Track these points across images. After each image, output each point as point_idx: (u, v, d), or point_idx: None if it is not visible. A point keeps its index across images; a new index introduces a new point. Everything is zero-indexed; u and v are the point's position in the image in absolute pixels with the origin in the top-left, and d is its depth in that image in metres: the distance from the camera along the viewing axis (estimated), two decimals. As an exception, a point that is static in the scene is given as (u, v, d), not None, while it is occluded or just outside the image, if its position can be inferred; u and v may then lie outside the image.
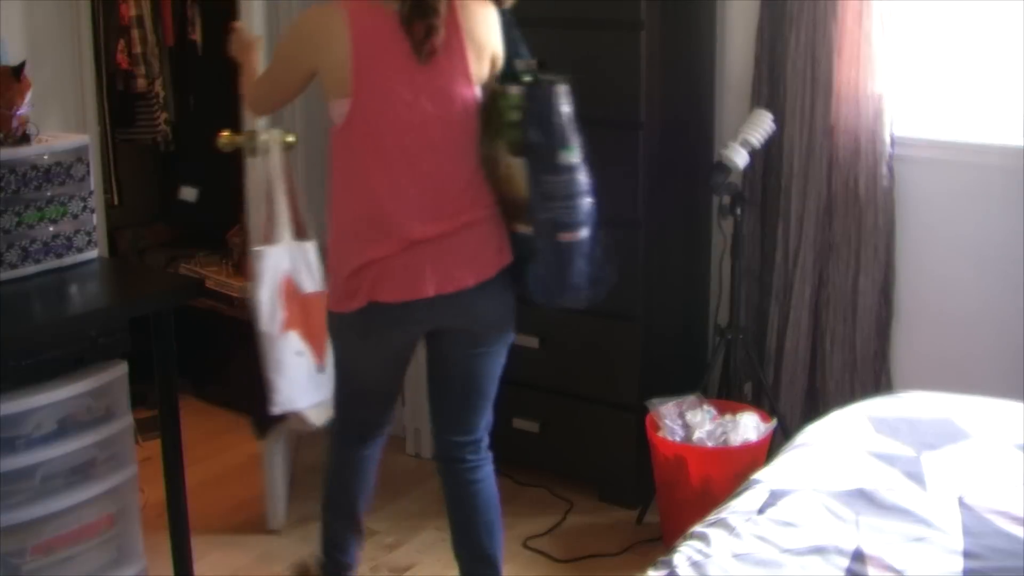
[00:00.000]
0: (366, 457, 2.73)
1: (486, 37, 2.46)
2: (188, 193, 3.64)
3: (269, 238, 2.96)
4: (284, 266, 2.95)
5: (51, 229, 2.63)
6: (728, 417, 3.18)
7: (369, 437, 2.70)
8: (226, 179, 3.40)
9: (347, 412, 2.70)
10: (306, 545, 3.25)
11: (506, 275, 2.51)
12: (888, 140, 3.25)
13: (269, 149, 2.96)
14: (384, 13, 2.33)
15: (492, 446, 2.70)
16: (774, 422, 3.18)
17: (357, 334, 2.50)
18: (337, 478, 2.76)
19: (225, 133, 2.97)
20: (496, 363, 2.62)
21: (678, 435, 3.14)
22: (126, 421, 2.59)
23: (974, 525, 1.95)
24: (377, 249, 2.39)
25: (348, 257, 2.43)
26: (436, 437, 2.71)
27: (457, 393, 2.63)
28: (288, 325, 2.96)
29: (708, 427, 3.14)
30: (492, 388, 2.64)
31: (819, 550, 1.88)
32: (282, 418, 3.08)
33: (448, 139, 2.40)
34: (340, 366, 2.64)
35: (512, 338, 2.64)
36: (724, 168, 3.22)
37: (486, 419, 2.67)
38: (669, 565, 1.87)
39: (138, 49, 3.87)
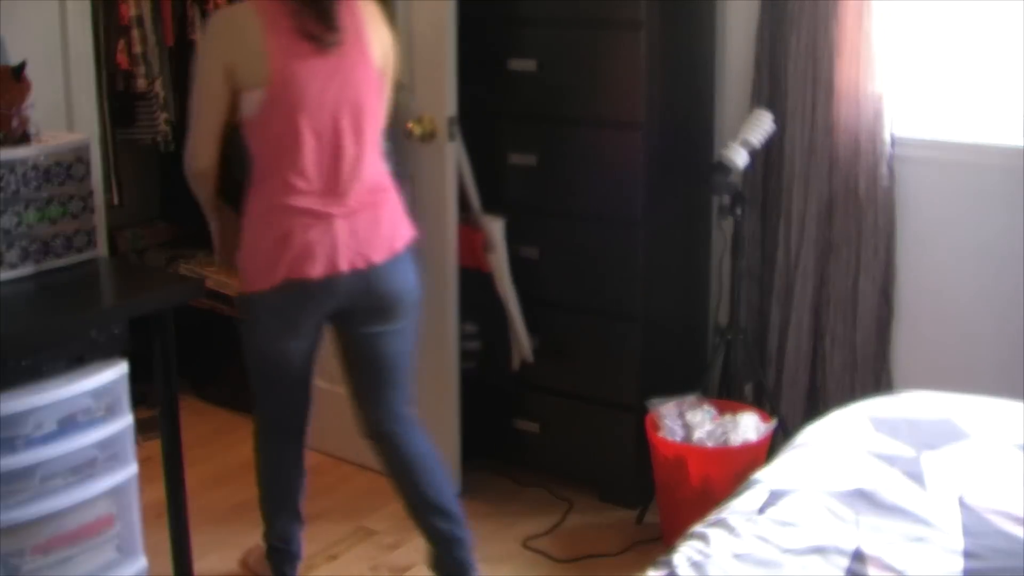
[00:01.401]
0: (293, 449, 2.84)
1: (381, 30, 2.65)
2: None
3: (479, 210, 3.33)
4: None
5: (51, 229, 2.63)
6: (728, 417, 3.18)
7: (293, 428, 2.83)
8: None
9: (268, 403, 2.80)
10: (306, 545, 3.26)
11: (411, 251, 2.69)
12: (888, 140, 3.25)
13: (456, 135, 3.26)
14: (286, 8, 2.49)
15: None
16: (774, 422, 3.18)
17: (272, 313, 2.60)
18: (270, 474, 2.87)
19: (411, 123, 3.21)
20: (408, 339, 2.76)
21: (678, 435, 3.14)
22: (126, 421, 2.59)
23: (974, 525, 1.95)
24: (291, 226, 2.52)
25: (264, 236, 2.54)
26: (360, 417, 2.82)
27: (375, 372, 2.75)
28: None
29: (708, 427, 3.14)
30: (407, 363, 2.78)
31: (819, 550, 1.88)
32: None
33: (355, 122, 2.56)
34: (256, 352, 2.71)
35: (418, 312, 2.77)
36: (724, 168, 3.22)
37: (406, 392, 2.81)
38: (669, 565, 1.87)
39: (138, 49, 3.86)
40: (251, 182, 2.57)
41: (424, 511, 2.81)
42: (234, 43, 2.49)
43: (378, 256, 2.61)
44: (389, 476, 2.85)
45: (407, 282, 2.69)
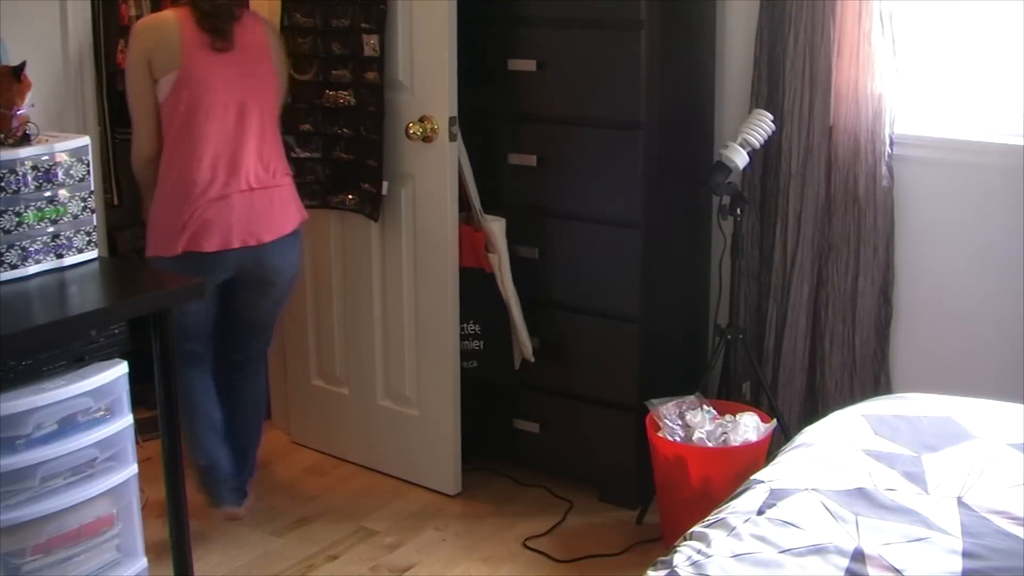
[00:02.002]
0: (203, 378, 3.24)
1: (275, 42, 3.20)
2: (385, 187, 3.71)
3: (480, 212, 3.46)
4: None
5: (51, 229, 2.63)
6: (728, 417, 3.18)
7: (199, 362, 3.22)
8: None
9: (180, 342, 3.09)
10: (306, 546, 3.26)
11: (298, 232, 3.17)
12: (887, 140, 3.25)
13: (456, 135, 3.32)
14: (195, 17, 2.99)
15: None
16: (774, 422, 3.18)
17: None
18: (189, 397, 3.18)
19: (412, 123, 3.29)
20: (281, 303, 3.29)
21: (678, 435, 3.14)
22: (126, 421, 2.59)
23: (974, 525, 1.96)
24: (193, 204, 2.95)
25: (169, 209, 2.98)
26: (218, 353, 3.27)
27: (245, 328, 3.26)
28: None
29: (708, 427, 3.14)
30: (275, 320, 3.33)
31: (819, 550, 1.88)
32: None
33: (253, 114, 3.03)
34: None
35: (294, 285, 3.27)
36: (724, 168, 3.22)
37: (262, 347, 3.36)
38: (669, 565, 1.87)
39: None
40: (165, 151, 3.01)
41: (230, 442, 3.27)
42: (155, 38, 2.98)
43: (268, 236, 3.05)
44: (224, 402, 3.28)
45: (290, 260, 3.16)
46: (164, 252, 2.98)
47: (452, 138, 3.30)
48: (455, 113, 3.28)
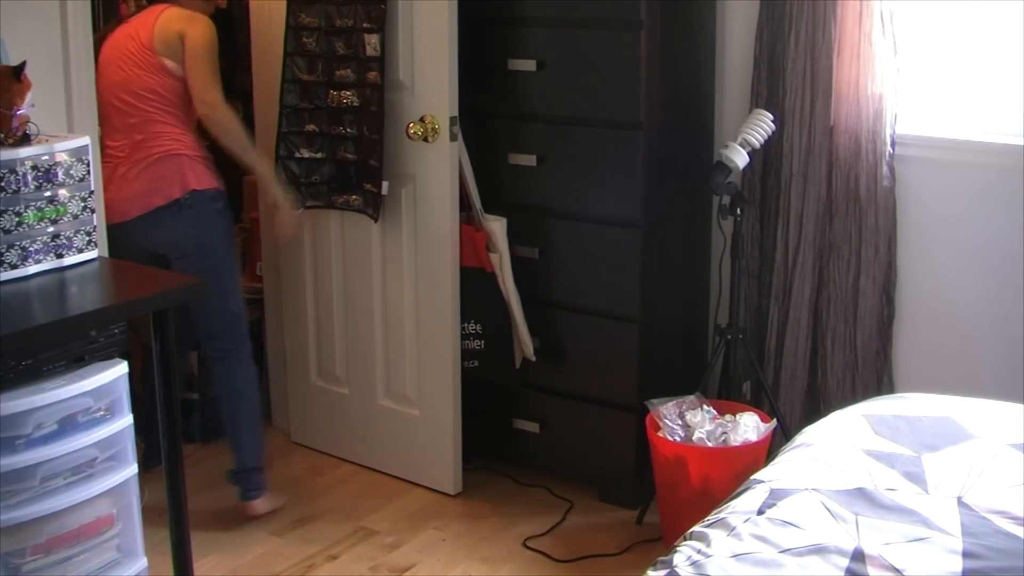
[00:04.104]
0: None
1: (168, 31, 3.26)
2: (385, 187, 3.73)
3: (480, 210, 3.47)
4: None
5: (51, 229, 2.62)
6: (728, 417, 3.18)
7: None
8: (227, 178, 3.40)
9: None
10: (306, 546, 3.26)
11: (186, 206, 3.22)
12: (888, 140, 3.25)
13: (457, 135, 3.32)
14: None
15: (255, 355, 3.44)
16: (774, 422, 3.18)
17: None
18: None
19: (413, 123, 3.31)
20: (208, 279, 3.18)
21: (678, 435, 3.14)
22: (126, 421, 2.59)
23: (974, 525, 1.95)
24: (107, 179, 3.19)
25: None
26: (200, 340, 3.44)
27: (195, 305, 3.30)
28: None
29: (708, 427, 3.14)
30: (218, 301, 3.28)
31: (819, 550, 1.88)
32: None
33: (130, 102, 3.22)
34: None
35: (214, 259, 3.27)
36: (724, 168, 3.22)
37: (224, 324, 3.34)
38: (669, 565, 1.87)
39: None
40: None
41: (226, 432, 3.42)
42: None
43: (136, 211, 3.20)
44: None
45: (179, 233, 3.23)
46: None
47: (453, 138, 3.30)
48: (456, 113, 3.29)
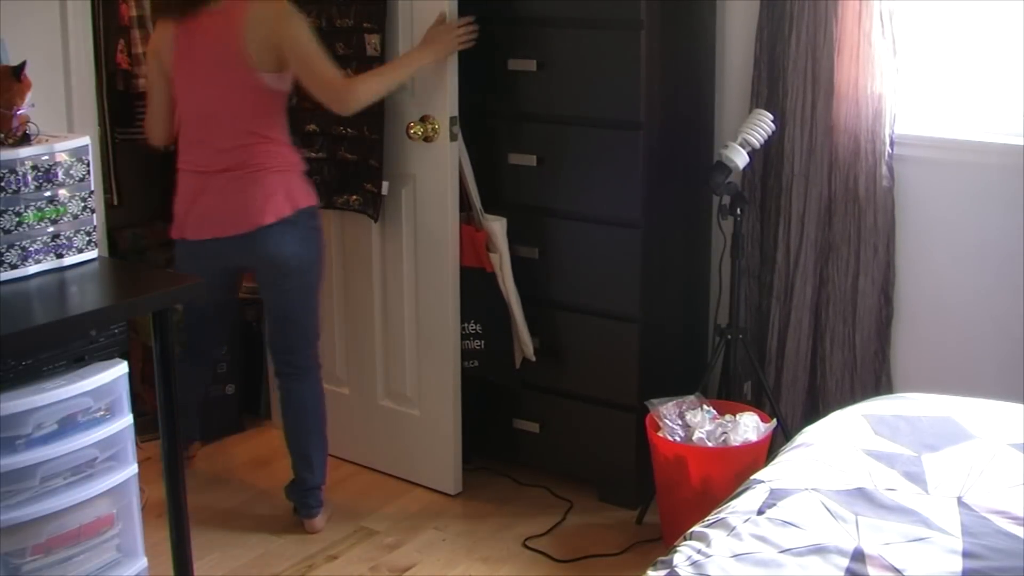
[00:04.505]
0: (197, 371, 3.43)
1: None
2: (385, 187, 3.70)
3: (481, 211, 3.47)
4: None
5: (51, 229, 2.62)
6: (728, 417, 3.18)
7: (199, 353, 3.42)
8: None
9: (186, 329, 3.38)
10: (307, 546, 3.26)
11: (293, 221, 3.09)
12: (888, 140, 3.25)
13: (457, 135, 3.32)
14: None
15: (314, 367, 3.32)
16: (774, 422, 3.18)
17: (182, 259, 3.21)
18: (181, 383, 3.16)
19: (413, 123, 3.29)
20: (299, 297, 3.20)
21: (678, 435, 3.14)
22: (126, 421, 2.59)
23: (974, 525, 1.95)
24: (183, 194, 3.13)
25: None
26: (269, 353, 3.37)
27: (272, 319, 3.27)
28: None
29: (708, 427, 3.14)
30: (297, 315, 3.23)
31: (819, 550, 1.88)
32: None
33: (230, 111, 3.04)
34: None
35: (308, 278, 3.19)
36: (724, 168, 3.22)
37: (302, 342, 3.26)
38: (669, 565, 1.87)
39: (138, 49, 3.86)
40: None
41: (295, 453, 3.32)
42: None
43: (237, 227, 3.08)
44: (280, 411, 3.39)
45: (286, 248, 3.10)
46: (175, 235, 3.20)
47: (453, 138, 3.30)
48: (456, 113, 3.28)
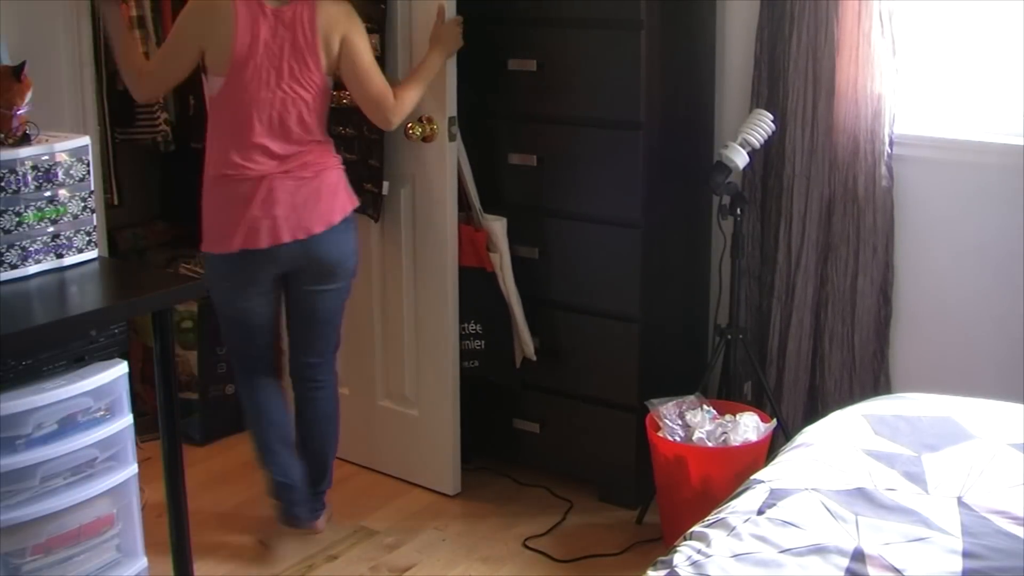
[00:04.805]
0: (267, 387, 3.16)
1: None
2: (386, 187, 3.67)
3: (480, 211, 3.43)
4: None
5: (51, 229, 2.62)
6: (728, 417, 3.18)
7: (261, 369, 3.15)
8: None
9: (236, 351, 3.16)
10: (307, 546, 3.26)
11: (350, 220, 3.03)
12: (887, 140, 3.25)
13: (456, 135, 3.29)
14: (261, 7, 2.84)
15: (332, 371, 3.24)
16: (774, 422, 3.18)
17: (231, 277, 2.98)
18: (255, 412, 3.15)
19: (412, 123, 3.25)
20: (338, 299, 3.13)
21: (678, 435, 3.14)
22: (126, 421, 2.59)
23: (974, 525, 1.96)
24: (229, 202, 2.90)
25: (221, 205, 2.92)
26: (291, 358, 3.20)
27: (306, 323, 3.13)
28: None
29: (708, 427, 3.14)
30: (335, 318, 3.15)
31: (819, 550, 1.88)
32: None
33: (299, 114, 2.90)
34: (217, 305, 3.10)
35: (350, 280, 3.13)
36: (724, 168, 3.22)
37: (331, 348, 3.19)
38: (669, 565, 1.87)
39: (139, 49, 3.86)
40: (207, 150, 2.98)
41: (309, 455, 3.21)
42: (208, 30, 2.89)
43: (316, 227, 2.97)
44: (297, 413, 3.23)
45: (337, 249, 3.02)
46: (219, 249, 2.99)
47: (452, 138, 3.30)
48: (454, 113, 3.29)
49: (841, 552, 1.87)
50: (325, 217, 2.96)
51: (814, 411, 3.39)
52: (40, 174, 2.59)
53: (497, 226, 3.42)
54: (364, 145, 3.41)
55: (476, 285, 3.43)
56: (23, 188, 2.55)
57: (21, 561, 2.42)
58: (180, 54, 2.92)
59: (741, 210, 3.26)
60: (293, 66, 2.87)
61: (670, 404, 3.21)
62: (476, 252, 3.42)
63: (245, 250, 2.91)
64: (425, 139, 3.31)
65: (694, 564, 1.86)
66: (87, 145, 2.70)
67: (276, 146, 2.90)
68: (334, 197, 3.00)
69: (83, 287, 2.64)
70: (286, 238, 2.91)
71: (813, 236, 3.39)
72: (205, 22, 2.86)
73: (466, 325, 3.48)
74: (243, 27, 2.81)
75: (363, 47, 2.97)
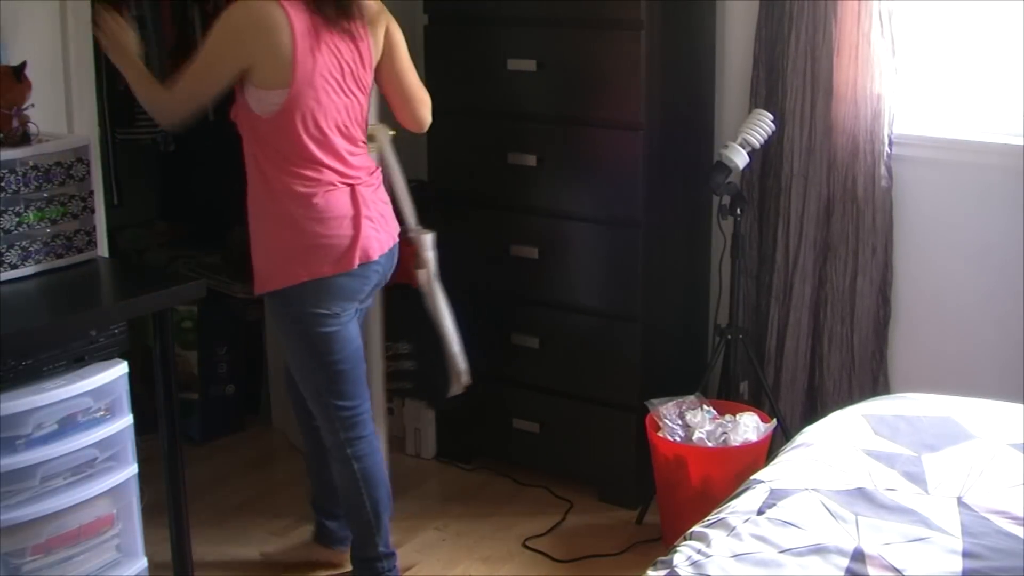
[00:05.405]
0: (369, 435, 2.84)
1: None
2: None
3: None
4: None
5: (51, 229, 2.63)
6: (728, 417, 3.18)
7: (364, 410, 2.80)
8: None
9: (353, 399, 2.77)
10: (306, 546, 3.26)
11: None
12: (886, 140, 3.25)
13: (381, 141, 2.96)
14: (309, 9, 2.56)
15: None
16: (774, 422, 3.18)
17: (343, 298, 2.67)
18: (368, 478, 2.82)
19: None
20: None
21: (678, 435, 3.14)
22: (126, 421, 2.59)
23: (974, 525, 1.96)
24: (338, 210, 2.63)
25: (312, 226, 2.61)
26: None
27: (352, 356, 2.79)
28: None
29: (708, 427, 3.14)
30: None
31: (819, 550, 1.88)
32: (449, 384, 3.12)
33: (357, 118, 2.69)
34: (329, 347, 2.70)
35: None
36: (724, 168, 3.22)
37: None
38: (669, 565, 1.87)
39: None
40: (269, 171, 2.65)
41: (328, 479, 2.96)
42: (259, 42, 2.55)
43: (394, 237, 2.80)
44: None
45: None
46: (329, 271, 2.67)
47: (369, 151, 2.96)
48: (375, 122, 3.01)
49: (841, 552, 1.87)
50: (395, 227, 2.81)
51: (813, 411, 3.39)
52: (40, 174, 2.59)
53: (424, 240, 3.00)
54: None
55: (402, 303, 3.12)
56: (23, 188, 2.55)
57: (21, 561, 2.42)
58: (222, 75, 2.57)
59: (741, 210, 3.26)
60: (352, 67, 2.64)
61: (670, 404, 3.21)
62: (405, 268, 3.06)
63: (362, 264, 2.66)
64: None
65: (694, 564, 1.86)
66: (87, 145, 2.70)
67: (347, 153, 2.66)
68: (391, 207, 2.84)
69: (83, 287, 2.64)
70: (389, 244, 2.74)
71: (811, 236, 3.39)
72: (259, 36, 2.52)
73: (396, 345, 3.28)
74: (300, 32, 2.52)
75: (402, 40, 2.78)
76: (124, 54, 2.67)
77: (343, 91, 2.63)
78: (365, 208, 2.67)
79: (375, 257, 2.68)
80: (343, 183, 2.65)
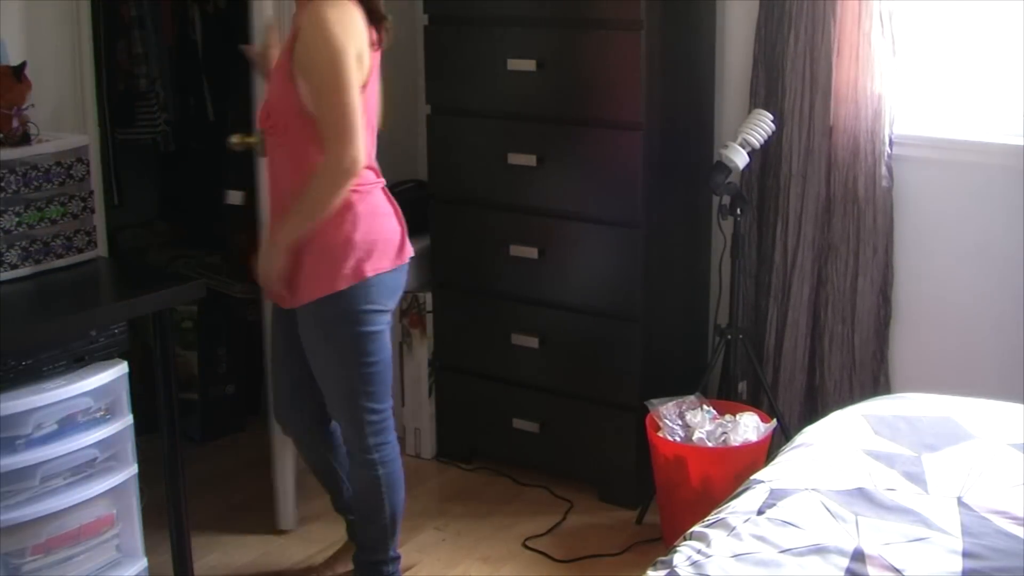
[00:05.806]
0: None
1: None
2: (234, 197, 3.47)
3: None
4: None
5: (51, 229, 2.63)
6: (728, 417, 3.18)
7: (384, 426, 2.76)
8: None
9: (384, 403, 2.73)
10: (307, 546, 3.26)
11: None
12: (887, 140, 3.25)
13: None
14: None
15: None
16: (774, 422, 3.18)
17: (395, 293, 2.67)
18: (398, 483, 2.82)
19: (236, 136, 2.95)
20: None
21: (678, 435, 3.14)
22: (126, 421, 2.59)
23: (974, 525, 1.96)
24: (389, 208, 2.64)
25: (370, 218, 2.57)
26: (310, 405, 2.85)
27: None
28: None
29: (708, 427, 3.14)
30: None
31: (819, 550, 1.88)
32: None
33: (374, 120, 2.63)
34: (374, 347, 2.65)
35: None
36: (724, 168, 3.22)
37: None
38: (669, 565, 1.87)
39: (138, 49, 3.86)
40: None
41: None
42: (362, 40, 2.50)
43: None
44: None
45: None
46: (385, 266, 2.62)
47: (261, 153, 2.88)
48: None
49: (841, 552, 1.87)
50: None
51: (813, 411, 3.39)
52: (40, 174, 2.59)
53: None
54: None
55: None
56: (23, 188, 2.55)
57: (21, 561, 2.42)
58: (354, 81, 2.45)
59: (741, 210, 3.26)
60: (378, 68, 2.62)
61: (670, 404, 3.21)
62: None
63: (404, 263, 2.68)
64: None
65: (694, 564, 1.86)
66: (87, 145, 2.70)
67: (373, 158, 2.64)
68: None
69: (83, 287, 2.64)
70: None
71: (809, 236, 3.39)
72: (360, 33, 2.48)
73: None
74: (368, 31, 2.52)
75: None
76: (280, 254, 2.58)
77: (377, 92, 2.62)
78: (395, 205, 2.69)
79: (412, 252, 2.70)
80: (381, 183, 2.66)
